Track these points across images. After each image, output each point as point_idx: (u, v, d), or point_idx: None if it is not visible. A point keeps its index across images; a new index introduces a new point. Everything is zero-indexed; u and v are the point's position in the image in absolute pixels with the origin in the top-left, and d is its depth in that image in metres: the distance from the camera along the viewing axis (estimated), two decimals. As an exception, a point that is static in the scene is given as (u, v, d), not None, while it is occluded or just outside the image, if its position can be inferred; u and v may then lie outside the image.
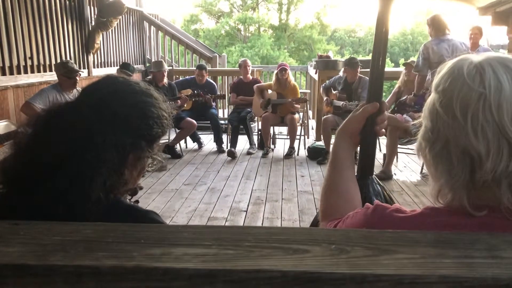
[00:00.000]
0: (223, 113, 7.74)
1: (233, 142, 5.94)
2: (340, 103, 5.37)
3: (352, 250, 0.52)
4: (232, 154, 5.72)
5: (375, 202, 0.81)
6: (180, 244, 0.54)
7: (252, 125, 6.46)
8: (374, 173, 1.11)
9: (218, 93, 6.45)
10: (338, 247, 0.53)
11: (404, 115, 4.86)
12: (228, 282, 0.47)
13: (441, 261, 0.50)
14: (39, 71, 5.27)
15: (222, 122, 6.53)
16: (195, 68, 6.58)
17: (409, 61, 5.51)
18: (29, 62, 5.07)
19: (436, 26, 4.66)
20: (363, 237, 0.56)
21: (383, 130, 1.02)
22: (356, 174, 1.04)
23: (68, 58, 5.81)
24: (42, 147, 0.87)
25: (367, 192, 1.05)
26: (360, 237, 0.57)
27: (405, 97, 5.09)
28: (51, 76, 5.31)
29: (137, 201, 1.05)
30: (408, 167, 5.29)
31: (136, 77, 7.97)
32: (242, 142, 6.29)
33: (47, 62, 5.45)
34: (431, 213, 0.73)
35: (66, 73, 4.18)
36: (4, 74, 4.61)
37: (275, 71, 5.95)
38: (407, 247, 0.54)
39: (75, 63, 5.40)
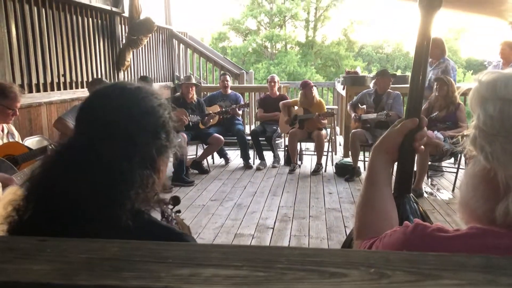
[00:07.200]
0: (249, 129, 7.73)
1: (260, 155, 6.10)
2: (369, 115, 5.29)
3: (393, 275, 0.48)
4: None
5: (415, 220, 0.76)
6: (209, 264, 0.51)
7: (279, 141, 6.44)
8: None
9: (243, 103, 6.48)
10: (377, 271, 0.49)
11: (435, 132, 4.73)
12: (261, 308, 0.44)
13: (492, 289, 0.46)
14: (71, 88, 5.41)
15: (249, 138, 6.53)
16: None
17: (441, 75, 5.32)
18: (62, 79, 5.21)
19: None
20: (404, 260, 0.52)
21: (422, 147, 0.98)
22: (393, 192, 1.00)
23: (100, 75, 5.96)
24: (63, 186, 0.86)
25: (403, 211, 1.00)
26: (401, 260, 0.53)
27: (436, 113, 4.97)
28: (83, 93, 5.44)
29: (178, 211, 1.04)
30: (439, 185, 5.14)
31: (165, 93, 8.09)
32: (268, 159, 6.27)
33: (79, 79, 5.59)
34: (478, 233, 0.67)
35: None
36: (38, 91, 4.76)
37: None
38: (452, 272, 0.50)
39: (106, 80, 5.52)
